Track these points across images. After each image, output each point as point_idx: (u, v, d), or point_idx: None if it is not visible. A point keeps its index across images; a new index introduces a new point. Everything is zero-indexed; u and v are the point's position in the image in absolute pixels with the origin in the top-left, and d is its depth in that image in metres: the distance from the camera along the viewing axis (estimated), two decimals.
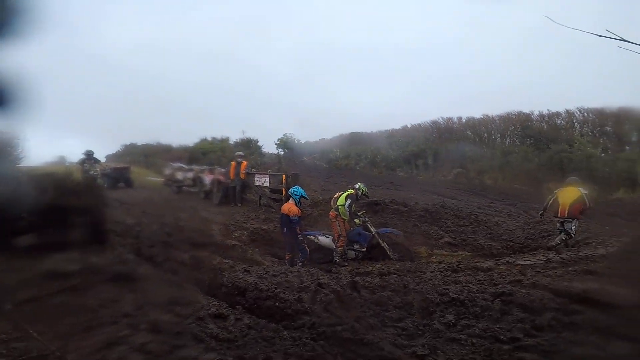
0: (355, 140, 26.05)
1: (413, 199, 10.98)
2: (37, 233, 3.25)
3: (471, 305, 3.66)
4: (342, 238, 6.62)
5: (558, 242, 6.99)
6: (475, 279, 4.70)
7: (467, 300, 3.76)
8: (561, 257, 6.02)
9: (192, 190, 13.37)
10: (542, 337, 2.94)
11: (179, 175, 13.91)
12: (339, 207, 6.78)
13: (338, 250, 6.63)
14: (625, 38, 2.26)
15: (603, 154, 15.97)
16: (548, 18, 2.69)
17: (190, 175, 13.54)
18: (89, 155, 11.83)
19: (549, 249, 6.88)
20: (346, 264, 6.52)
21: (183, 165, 14.71)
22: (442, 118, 23.24)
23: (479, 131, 21.43)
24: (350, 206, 6.59)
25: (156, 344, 2.61)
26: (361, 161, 22.87)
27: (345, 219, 6.70)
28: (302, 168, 18.97)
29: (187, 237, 6.96)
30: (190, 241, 6.76)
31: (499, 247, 7.69)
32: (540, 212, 7.81)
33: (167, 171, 15.07)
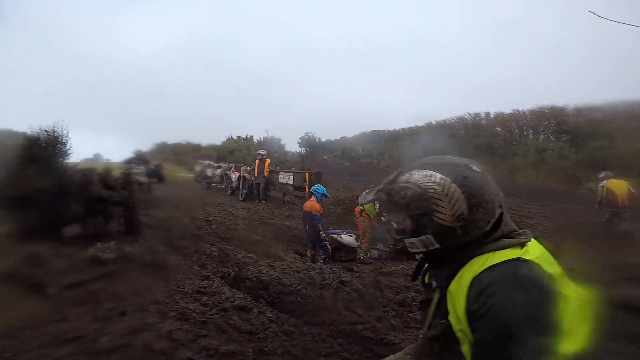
0: (377, 138, 25.58)
1: None
2: (82, 223, 3.49)
3: None
4: (367, 234, 6.56)
5: None
6: None
7: None
8: None
9: (219, 186, 13.79)
10: None
11: (209, 172, 14.39)
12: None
13: (363, 247, 6.59)
14: None
15: None
16: (592, 13, 2.61)
17: (218, 172, 13.96)
18: (138, 155, 12.31)
19: None
20: (370, 261, 6.51)
21: (212, 163, 15.17)
22: (469, 114, 22.20)
23: (509, 127, 20.53)
24: (381, 204, 6.52)
25: (182, 332, 2.75)
26: (384, 159, 22.56)
27: (370, 216, 6.66)
28: (323, 166, 18.88)
29: (215, 231, 7.20)
30: (218, 235, 6.98)
31: None
32: (597, 206, 7.91)
33: (197, 168, 15.57)
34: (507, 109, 20.75)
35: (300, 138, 24.23)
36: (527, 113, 19.56)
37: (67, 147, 3.99)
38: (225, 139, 21.16)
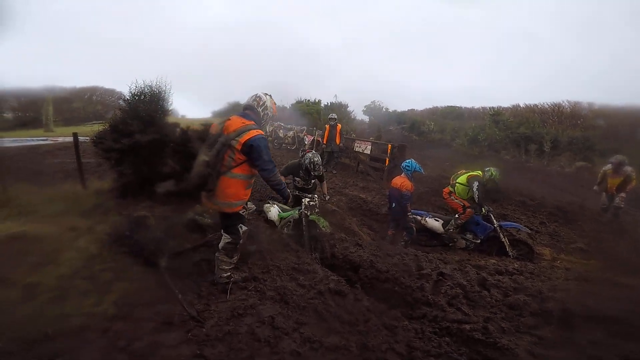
0: (450, 114, 24.06)
1: (535, 192, 9.50)
2: (175, 180, 3.29)
3: (625, 324, 3.06)
4: (468, 210, 5.81)
5: None
6: (622, 295, 3.84)
7: (619, 318, 3.13)
8: None
9: (290, 148, 13.72)
10: None
11: (280, 133, 14.34)
12: (457, 184, 5.99)
13: (458, 222, 5.90)
14: None
15: None
16: None
17: (290, 134, 13.86)
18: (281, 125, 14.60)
19: None
20: (457, 238, 5.90)
21: (282, 124, 15.08)
22: (568, 102, 19.63)
23: (614, 121, 17.55)
24: (479, 189, 5.73)
25: (283, 317, 2.49)
26: (459, 137, 20.76)
27: (462, 197, 5.92)
28: (388, 138, 17.91)
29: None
30: None
31: None
32: None
33: (269, 128, 15.62)
34: (618, 102, 17.82)
35: (365, 106, 23.16)
36: None
37: (169, 104, 3.84)
38: (294, 101, 20.91)
